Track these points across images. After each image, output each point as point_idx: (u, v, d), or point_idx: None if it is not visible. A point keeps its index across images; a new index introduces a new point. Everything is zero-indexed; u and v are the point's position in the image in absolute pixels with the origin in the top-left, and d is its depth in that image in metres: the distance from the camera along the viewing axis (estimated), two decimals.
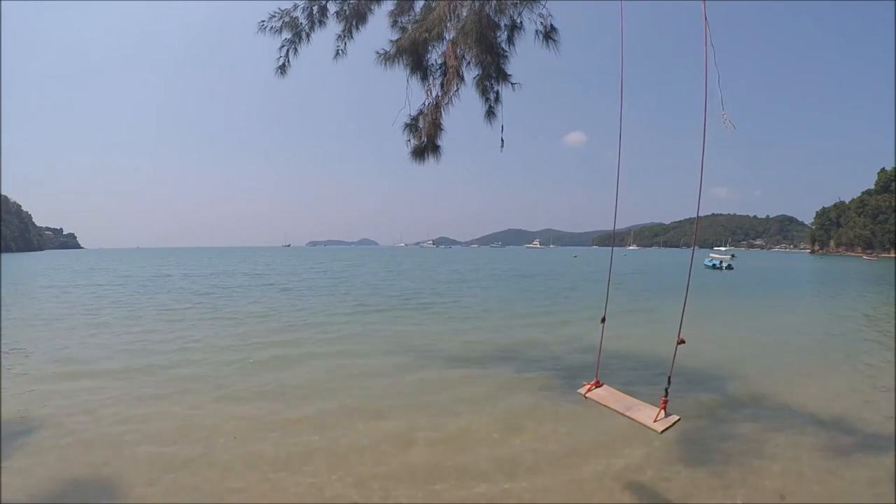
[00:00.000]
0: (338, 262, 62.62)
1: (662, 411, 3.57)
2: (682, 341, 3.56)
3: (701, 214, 3.95)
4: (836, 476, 4.57)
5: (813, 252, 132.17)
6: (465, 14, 6.72)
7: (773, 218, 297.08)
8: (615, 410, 3.85)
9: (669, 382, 3.57)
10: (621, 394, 4.07)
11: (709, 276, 36.54)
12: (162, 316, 15.05)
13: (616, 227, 4.61)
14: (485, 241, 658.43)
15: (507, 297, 21.24)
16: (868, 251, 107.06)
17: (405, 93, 7.20)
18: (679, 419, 3.61)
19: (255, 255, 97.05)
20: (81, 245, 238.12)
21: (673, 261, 67.77)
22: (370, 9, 7.43)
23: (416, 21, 7.11)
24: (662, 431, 3.54)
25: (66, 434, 5.47)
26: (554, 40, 6.92)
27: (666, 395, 3.57)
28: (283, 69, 7.70)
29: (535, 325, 13.50)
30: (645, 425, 3.60)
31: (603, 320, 4.32)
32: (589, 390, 4.10)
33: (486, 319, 14.69)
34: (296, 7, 7.45)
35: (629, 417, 3.72)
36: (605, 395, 4.06)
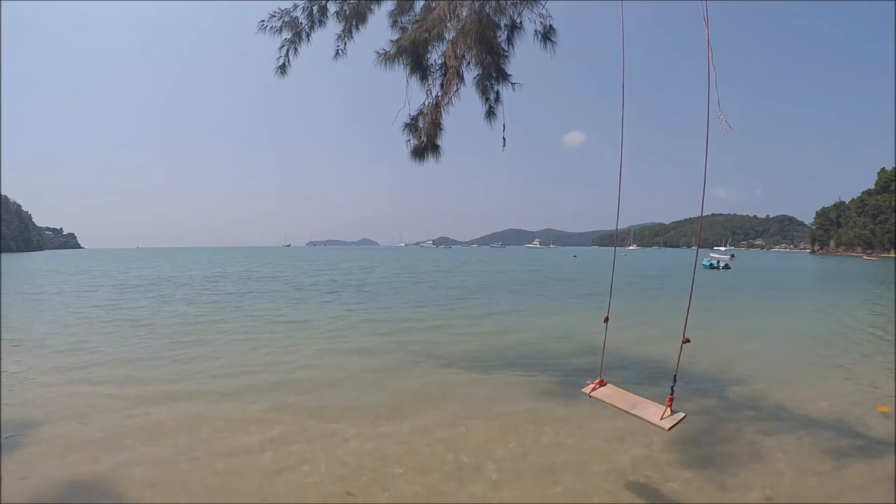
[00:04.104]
0: (346, 263, 62.25)
1: (668, 409, 3.55)
2: (688, 340, 3.56)
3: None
4: (837, 477, 4.56)
5: (813, 252, 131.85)
6: (465, 14, 6.73)
7: (773, 218, 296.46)
8: (620, 409, 3.79)
9: (675, 381, 3.63)
10: (626, 392, 4.01)
11: (706, 275, 36.64)
12: (163, 319, 15.04)
13: (616, 227, 4.59)
14: (485, 240, 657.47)
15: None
16: (868, 251, 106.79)
17: (405, 92, 7.22)
18: (685, 416, 3.59)
19: (260, 257, 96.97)
20: (81, 245, 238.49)
21: (676, 262, 67.59)
22: (370, 9, 7.45)
23: (416, 21, 7.12)
24: (669, 429, 3.51)
25: (66, 435, 5.46)
26: (552, 41, 6.94)
27: (672, 393, 3.57)
28: (283, 69, 7.72)
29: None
30: (651, 423, 3.56)
31: (606, 320, 4.30)
32: (593, 389, 4.06)
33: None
34: (296, 7, 7.47)
35: (635, 415, 3.67)
36: (610, 393, 4.01)
